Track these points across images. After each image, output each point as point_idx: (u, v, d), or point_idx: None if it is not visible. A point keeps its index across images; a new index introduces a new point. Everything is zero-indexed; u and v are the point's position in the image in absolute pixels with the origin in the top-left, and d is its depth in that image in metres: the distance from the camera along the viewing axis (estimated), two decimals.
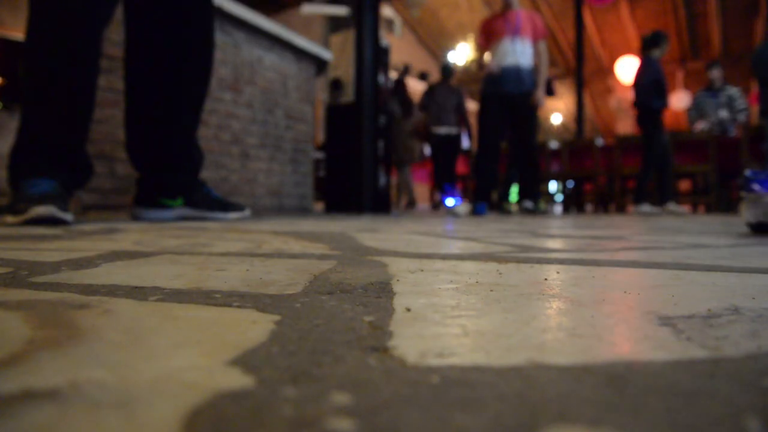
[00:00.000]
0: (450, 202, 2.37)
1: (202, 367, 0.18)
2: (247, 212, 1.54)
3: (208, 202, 1.45)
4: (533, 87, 2.74)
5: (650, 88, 3.23)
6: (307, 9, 3.02)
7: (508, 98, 2.72)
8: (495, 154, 2.79)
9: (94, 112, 1.25)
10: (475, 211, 2.51)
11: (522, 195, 2.98)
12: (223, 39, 2.36)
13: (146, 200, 1.39)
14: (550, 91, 3.21)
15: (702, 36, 7.61)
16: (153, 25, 1.34)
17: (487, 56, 2.82)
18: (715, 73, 4.07)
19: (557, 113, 11.70)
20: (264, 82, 2.65)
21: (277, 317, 0.26)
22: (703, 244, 0.77)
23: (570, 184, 4.93)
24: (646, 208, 3.31)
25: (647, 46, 3.35)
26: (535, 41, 2.78)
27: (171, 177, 1.40)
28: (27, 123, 1.15)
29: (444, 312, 0.28)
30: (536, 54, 2.79)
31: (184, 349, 0.21)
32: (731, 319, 0.27)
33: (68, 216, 1.08)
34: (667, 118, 3.51)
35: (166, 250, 0.60)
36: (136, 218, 1.38)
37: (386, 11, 7.71)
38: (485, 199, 2.79)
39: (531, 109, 2.76)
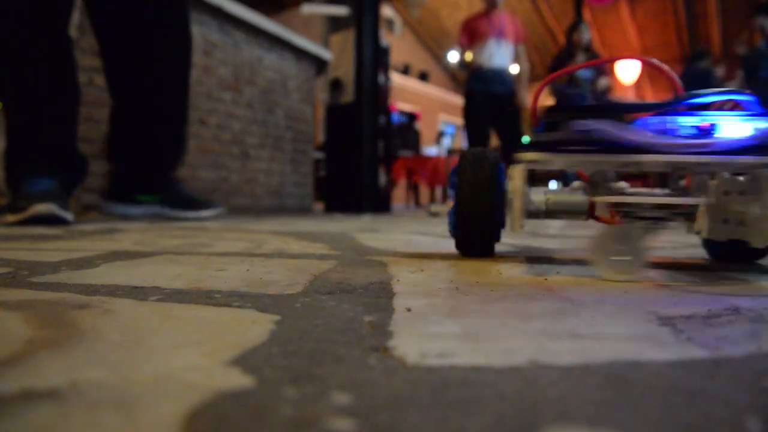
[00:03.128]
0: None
1: (202, 367, 0.18)
2: (219, 209, 1.50)
3: (182, 200, 1.42)
4: (514, 88, 2.81)
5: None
6: (307, 9, 3.02)
7: (493, 97, 2.78)
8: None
9: (80, 109, 1.23)
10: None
11: None
12: (223, 39, 2.36)
13: (120, 195, 1.37)
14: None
15: (702, 36, 7.60)
16: (122, 22, 1.31)
17: (468, 55, 2.85)
18: (718, 72, 4.13)
19: None
20: (264, 82, 2.65)
21: (277, 317, 0.26)
22: None
23: None
24: None
25: (694, 58, 3.68)
26: (516, 44, 2.84)
27: (149, 174, 1.38)
28: (15, 124, 1.14)
29: (444, 312, 0.28)
30: (517, 57, 2.86)
31: (184, 349, 0.21)
32: (731, 319, 0.27)
33: (68, 215, 1.07)
34: None
35: (166, 250, 0.60)
36: (106, 213, 1.35)
37: (386, 11, 7.70)
38: None
39: (515, 110, 2.84)
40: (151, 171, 1.38)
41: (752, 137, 0.36)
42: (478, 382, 0.17)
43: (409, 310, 0.28)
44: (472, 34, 2.82)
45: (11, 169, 1.14)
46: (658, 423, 0.14)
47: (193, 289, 0.34)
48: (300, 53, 2.86)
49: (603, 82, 3.15)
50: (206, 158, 2.30)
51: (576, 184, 0.51)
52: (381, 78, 3.03)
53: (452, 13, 8.20)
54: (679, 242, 0.77)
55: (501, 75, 2.77)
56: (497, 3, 2.80)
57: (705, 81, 3.52)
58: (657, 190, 0.48)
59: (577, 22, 3.31)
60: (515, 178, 0.47)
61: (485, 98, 2.78)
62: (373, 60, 2.84)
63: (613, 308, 0.29)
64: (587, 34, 3.19)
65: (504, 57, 2.77)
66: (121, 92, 1.36)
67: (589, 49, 3.20)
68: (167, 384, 0.16)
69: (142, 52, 1.32)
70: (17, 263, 0.46)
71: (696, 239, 0.59)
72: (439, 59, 9.56)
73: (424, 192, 5.88)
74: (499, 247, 0.69)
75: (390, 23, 8.31)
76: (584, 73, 3.13)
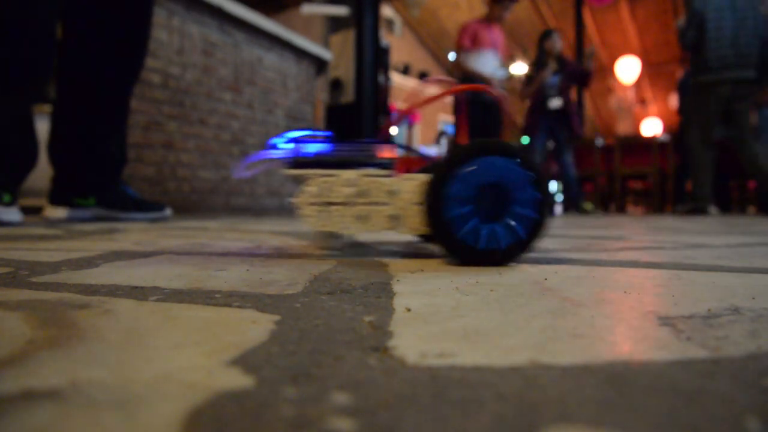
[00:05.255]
0: None
1: (202, 367, 0.18)
2: (167, 212, 1.47)
3: (123, 202, 1.39)
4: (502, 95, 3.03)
5: None
6: (307, 9, 3.02)
7: (486, 103, 2.93)
8: None
9: (43, 82, 1.16)
10: None
11: None
12: (223, 39, 2.36)
13: (59, 199, 1.34)
14: (583, 83, 3.37)
15: None
16: (86, 23, 1.27)
17: (463, 58, 2.92)
18: None
19: None
20: (264, 82, 2.65)
21: (277, 317, 0.26)
22: (704, 244, 0.77)
23: None
24: (713, 210, 3.14)
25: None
26: (502, 56, 3.06)
27: (82, 176, 1.35)
28: None
29: (444, 312, 0.28)
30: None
31: (184, 349, 0.21)
32: (731, 319, 0.27)
33: (13, 214, 1.03)
34: (666, 120, 3.60)
35: (166, 250, 0.60)
36: (51, 218, 1.31)
37: (386, 11, 7.70)
38: None
39: (501, 115, 3.03)
40: (84, 174, 1.34)
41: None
42: (478, 382, 0.17)
43: (409, 310, 0.28)
44: (474, 38, 2.90)
45: None
46: (658, 423, 0.14)
47: (193, 289, 0.34)
48: (300, 53, 2.86)
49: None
50: (206, 158, 2.30)
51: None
52: (381, 78, 3.04)
53: (452, 13, 8.20)
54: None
55: (494, 83, 2.96)
56: (502, 18, 2.89)
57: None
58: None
59: (549, 31, 3.41)
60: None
61: (481, 103, 2.90)
62: (373, 60, 2.85)
63: (613, 308, 0.29)
64: (559, 43, 3.29)
65: (496, 67, 2.98)
66: (63, 91, 1.32)
67: (560, 57, 3.30)
68: (167, 384, 0.16)
69: (94, 55, 1.29)
70: (17, 263, 0.46)
71: None
72: (439, 59, 9.56)
73: None
74: None
75: (390, 23, 8.32)
76: (551, 80, 3.24)
